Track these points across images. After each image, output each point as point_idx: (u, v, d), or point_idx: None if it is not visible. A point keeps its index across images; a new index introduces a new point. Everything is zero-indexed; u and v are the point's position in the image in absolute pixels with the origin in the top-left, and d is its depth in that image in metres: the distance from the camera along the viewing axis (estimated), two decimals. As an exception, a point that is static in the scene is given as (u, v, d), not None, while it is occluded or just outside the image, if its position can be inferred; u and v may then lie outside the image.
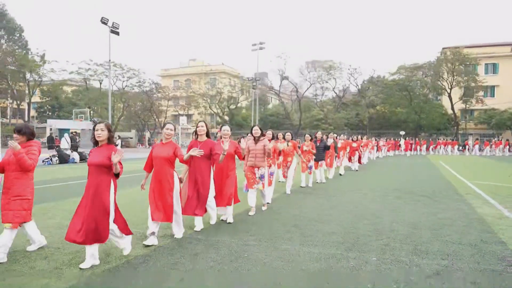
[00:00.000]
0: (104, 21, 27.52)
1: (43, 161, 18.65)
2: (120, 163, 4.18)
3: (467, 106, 45.94)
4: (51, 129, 30.71)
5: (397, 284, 3.69)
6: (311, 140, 10.76)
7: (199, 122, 5.93)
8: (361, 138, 21.85)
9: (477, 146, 37.52)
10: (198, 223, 5.78)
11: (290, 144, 9.48)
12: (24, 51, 48.87)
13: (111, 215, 4.18)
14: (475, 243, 5.12)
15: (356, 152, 17.01)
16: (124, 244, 4.52)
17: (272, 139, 8.44)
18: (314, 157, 10.97)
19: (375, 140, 28.48)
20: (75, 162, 20.20)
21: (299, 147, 10.40)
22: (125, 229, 4.41)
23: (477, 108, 46.92)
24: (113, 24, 28.28)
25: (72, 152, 20.81)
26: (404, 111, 47.64)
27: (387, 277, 3.88)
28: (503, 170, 18.29)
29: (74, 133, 25.02)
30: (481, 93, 46.03)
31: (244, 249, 4.82)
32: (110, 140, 4.30)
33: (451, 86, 44.49)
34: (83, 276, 3.85)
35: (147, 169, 5.21)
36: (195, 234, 5.53)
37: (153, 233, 4.96)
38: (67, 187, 10.78)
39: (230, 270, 4.06)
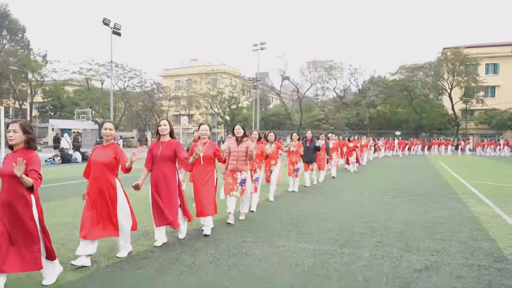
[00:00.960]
0: (106, 22, 27.75)
1: (45, 160, 18.90)
2: None
3: (468, 106, 46.09)
4: (53, 129, 30.82)
5: (386, 278, 3.89)
6: (299, 139, 9.85)
7: (161, 120, 5.08)
8: (359, 138, 21.53)
9: (468, 146, 38.11)
10: (182, 230, 5.37)
11: (273, 145, 8.59)
12: (26, 51, 49.12)
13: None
14: (465, 240, 5.31)
15: (354, 153, 16.34)
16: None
17: (259, 139, 7.78)
18: (302, 158, 10.09)
19: (373, 140, 28.23)
20: (78, 162, 20.43)
21: (288, 148, 9.81)
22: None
23: (478, 108, 47.06)
24: (115, 25, 28.51)
25: (74, 152, 21.05)
26: (405, 111, 47.79)
27: (377, 272, 4.07)
28: (500, 170, 18.45)
29: (76, 133, 25.21)
30: (481, 93, 46.20)
31: (242, 246, 5.01)
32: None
33: (451, 86, 44.63)
34: (88, 271, 4.05)
35: (87, 175, 4.47)
36: (195, 231, 5.72)
37: (88, 255, 4.18)
38: (69, 186, 11.00)
39: (228, 265, 4.26)
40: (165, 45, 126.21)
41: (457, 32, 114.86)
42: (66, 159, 20.06)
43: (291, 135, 9.89)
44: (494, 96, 48.19)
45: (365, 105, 50.65)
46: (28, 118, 50.37)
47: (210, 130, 5.64)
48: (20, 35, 51.97)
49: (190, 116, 54.52)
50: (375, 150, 26.76)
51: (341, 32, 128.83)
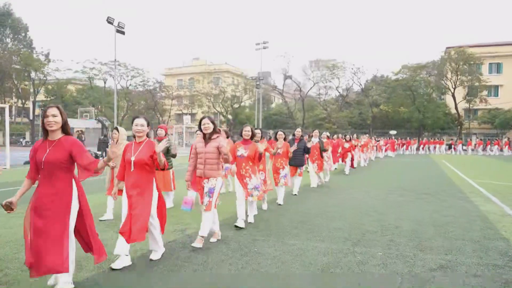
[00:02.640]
0: (110, 21, 27.72)
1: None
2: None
3: (471, 105, 45.94)
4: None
5: (402, 277, 3.85)
6: (285, 139, 7.84)
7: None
8: (358, 138, 20.06)
9: (460, 146, 39.00)
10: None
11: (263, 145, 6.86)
12: (29, 50, 49.18)
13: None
14: (477, 239, 5.27)
15: (349, 154, 15.13)
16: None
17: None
18: (288, 161, 8.19)
19: (375, 140, 27.19)
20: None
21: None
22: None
23: (481, 108, 46.89)
24: (118, 23, 28.48)
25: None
26: (408, 111, 47.69)
27: (392, 271, 4.03)
28: (504, 169, 18.38)
29: (80, 131, 25.22)
30: (485, 92, 46.06)
31: (254, 244, 4.98)
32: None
33: (454, 85, 44.49)
34: (101, 268, 4.03)
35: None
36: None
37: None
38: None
39: (242, 264, 4.23)
40: (167, 44, 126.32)
41: (460, 31, 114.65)
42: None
43: (276, 134, 8.02)
44: (497, 96, 48.05)
45: (368, 104, 50.56)
46: (31, 117, 50.49)
47: (148, 125, 4.29)
48: (23, 34, 52.01)
49: (192, 115, 54.54)
50: (376, 150, 25.82)
51: (344, 31, 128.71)
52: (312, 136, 10.08)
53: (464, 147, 38.77)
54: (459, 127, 46.28)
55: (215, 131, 4.91)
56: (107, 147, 17.02)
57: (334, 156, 13.93)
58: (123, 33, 29.08)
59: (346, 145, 14.97)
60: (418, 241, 5.19)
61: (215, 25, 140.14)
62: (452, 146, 40.00)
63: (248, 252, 4.66)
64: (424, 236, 5.45)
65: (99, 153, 22.71)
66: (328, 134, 13.73)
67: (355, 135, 18.87)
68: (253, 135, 6.06)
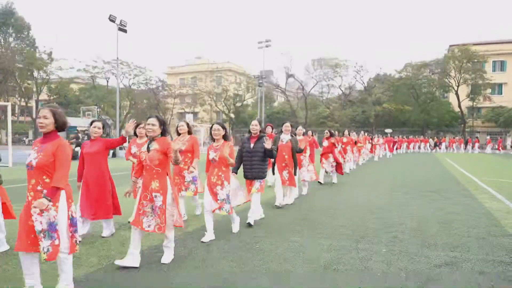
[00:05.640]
0: (112, 19, 27.73)
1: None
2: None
3: (475, 103, 45.72)
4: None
5: (406, 273, 3.78)
6: (224, 137, 5.19)
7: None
8: (349, 134, 15.37)
9: (444, 144, 39.63)
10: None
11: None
12: (32, 49, 49.28)
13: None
14: (483, 236, 5.19)
15: (330, 155, 10.91)
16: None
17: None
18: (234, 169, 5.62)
19: (372, 137, 23.36)
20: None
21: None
22: None
23: (485, 106, 46.69)
24: (121, 22, 28.48)
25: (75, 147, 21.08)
26: (411, 109, 47.49)
27: (396, 267, 3.96)
28: (507, 167, 18.25)
29: (75, 135, 25.20)
30: (488, 90, 45.84)
31: (255, 241, 4.92)
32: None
33: (458, 83, 44.29)
34: (101, 265, 3.98)
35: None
36: (204, 228, 5.61)
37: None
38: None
39: (243, 261, 4.16)
40: (170, 43, 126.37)
41: (464, 29, 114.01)
42: (73, 156, 20.12)
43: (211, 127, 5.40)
44: (501, 94, 47.78)
45: (371, 103, 50.35)
46: (34, 116, 50.61)
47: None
48: (26, 33, 52.07)
49: (195, 113, 54.53)
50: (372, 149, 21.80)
51: (346, 29, 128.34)
52: (282, 132, 7.34)
53: (468, 147, 38.73)
54: (462, 125, 46.06)
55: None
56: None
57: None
58: (125, 31, 29.10)
59: (326, 144, 11.01)
60: (422, 238, 5.11)
61: (217, 23, 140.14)
62: (437, 144, 40.32)
63: (250, 249, 4.60)
64: (428, 233, 5.37)
65: None
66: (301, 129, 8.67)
67: (347, 132, 15.14)
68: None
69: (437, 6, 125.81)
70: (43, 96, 52.41)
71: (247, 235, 5.19)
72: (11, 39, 50.27)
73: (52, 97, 53.55)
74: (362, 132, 20.53)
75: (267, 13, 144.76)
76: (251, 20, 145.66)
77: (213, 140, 5.14)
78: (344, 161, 13.18)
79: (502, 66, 49.11)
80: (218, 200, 5.00)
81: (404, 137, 37.18)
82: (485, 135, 45.24)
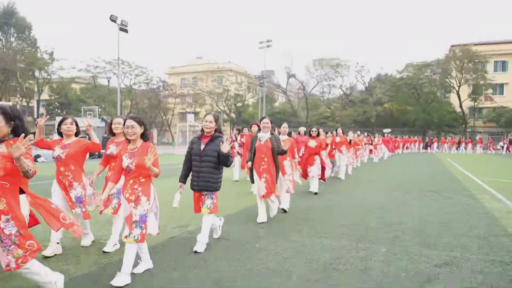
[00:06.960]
0: (113, 19, 27.75)
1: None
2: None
3: (476, 104, 45.65)
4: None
5: (406, 273, 3.78)
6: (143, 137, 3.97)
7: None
8: (342, 133, 13.36)
9: (435, 144, 40.13)
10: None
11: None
12: (33, 49, 49.37)
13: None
14: (483, 236, 5.18)
15: (316, 159, 8.96)
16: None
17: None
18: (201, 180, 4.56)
19: (368, 136, 21.08)
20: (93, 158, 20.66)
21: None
22: None
23: (486, 106, 46.61)
24: (122, 22, 28.50)
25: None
26: (412, 109, 47.45)
27: (396, 267, 3.96)
28: (506, 166, 18.25)
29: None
30: (490, 90, 45.76)
31: (255, 240, 4.93)
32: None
33: (459, 83, 44.23)
34: (100, 263, 3.99)
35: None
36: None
37: None
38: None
39: (243, 260, 4.17)
40: (171, 43, 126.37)
41: (465, 29, 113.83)
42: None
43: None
44: (502, 94, 47.70)
45: (372, 103, 50.31)
46: (35, 116, 50.69)
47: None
48: (27, 33, 52.15)
49: (196, 113, 54.58)
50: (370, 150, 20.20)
51: (347, 29, 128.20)
52: (259, 129, 6.14)
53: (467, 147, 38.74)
54: (464, 125, 46.00)
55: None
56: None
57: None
58: (126, 31, 29.11)
59: (312, 144, 8.97)
60: (422, 237, 5.11)
61: (218, 23, 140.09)
62: (429, 145, 40.56)
63: (250, 248, 4.60)
64: (429, 232, 5.37)
65: (103, 151, 22.78)
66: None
67: (340, 130, 13.21)
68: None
69: (438, 6, 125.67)
70: (45, 96, 52.51)
71: (248, 235, 5.20)
72: (12, 39, 50.36)
73: (53, 97, 53.66)
74: (359, 132, 19.06)
75: (268, 13, 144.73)
76: (252, 20, 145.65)
77: (128, 140, 3.76)
78: (337, 165, 12.44)
79: (503, 66, 49.02)
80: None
81: (399, 137, 37.07)
82: (486, 135, 45.17)
